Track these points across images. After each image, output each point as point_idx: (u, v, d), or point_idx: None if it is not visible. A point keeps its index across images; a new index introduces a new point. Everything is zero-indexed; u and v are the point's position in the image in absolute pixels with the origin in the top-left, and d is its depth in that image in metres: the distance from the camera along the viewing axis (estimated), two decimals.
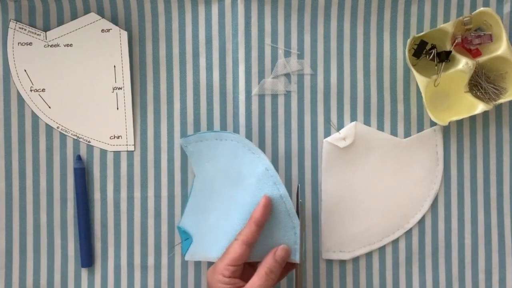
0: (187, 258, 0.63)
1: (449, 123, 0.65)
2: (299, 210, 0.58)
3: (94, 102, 0.65)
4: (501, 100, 0.65)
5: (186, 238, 0.64)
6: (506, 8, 0.67)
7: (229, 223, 0.58)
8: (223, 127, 0.66)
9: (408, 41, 0.65)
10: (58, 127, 0.65)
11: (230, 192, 0.60)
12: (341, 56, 0.66)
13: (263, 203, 0.56)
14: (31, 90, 0.65)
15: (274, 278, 0.55)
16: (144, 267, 0.66)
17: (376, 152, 0.67)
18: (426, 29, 0.67)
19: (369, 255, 0.67)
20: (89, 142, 0.66)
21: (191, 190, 0.65)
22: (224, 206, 0.61)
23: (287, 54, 0.66)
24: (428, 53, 0.66)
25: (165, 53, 0.66)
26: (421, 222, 0.67)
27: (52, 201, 0.66)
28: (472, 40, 0.65)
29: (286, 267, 0.59)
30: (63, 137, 0.66)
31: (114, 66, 0.65)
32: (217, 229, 0.60)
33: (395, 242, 0.67)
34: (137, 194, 0.66)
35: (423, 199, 0.67)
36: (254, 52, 0.65)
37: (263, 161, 0.58)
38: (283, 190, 0.57)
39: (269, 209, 0.56)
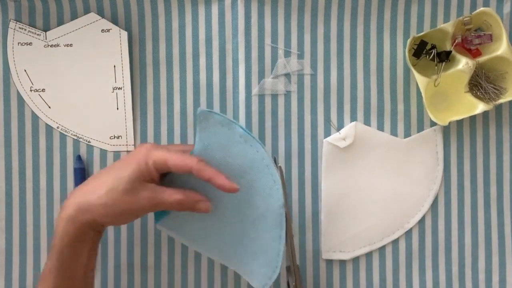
0: (159, 226, 0.60)
1: (449, 123, 0.65)
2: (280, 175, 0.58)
3: (94, 102, 0.65)
4: (501, 100, 0.65)
5: None
6: (506, 8, 0.67)
7: (220, 222, 0.58)
8: None
9: (408, 41, 0.65)
10: (58, 127, 0.65)
11: (233, 197, 0.59)
12: (341, 56, 0.66)
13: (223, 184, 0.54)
14: (31, 90, 0.65)
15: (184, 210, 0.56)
16: (144, 267, 0.66)
17: (376, 152, 0.67)
18: (426, 29, 0.67)
19: (369, 255, 0.67)
20: (89, 142, 0.66)
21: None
22: (219, 203, 0.59)
23: (287, 54, 0.66)
24: (428, 53, 0.66)
25: (165, 53, 0.66)
26: (421, 222, 0.67)
27: (52, 201, 0.66)
28: (472, 40, 0.65)
29: None
30: (63, 137, 0.66)
31: (114, 66, 0.65)
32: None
33: (395, 242, 0.67)
34: None
35: (423, 199, 0.67)
36: (254, 52, 0.65)
37: (279, 196, 0.58)
38: (284, 236, 0.58)
39: (206, 177, 0.54)
